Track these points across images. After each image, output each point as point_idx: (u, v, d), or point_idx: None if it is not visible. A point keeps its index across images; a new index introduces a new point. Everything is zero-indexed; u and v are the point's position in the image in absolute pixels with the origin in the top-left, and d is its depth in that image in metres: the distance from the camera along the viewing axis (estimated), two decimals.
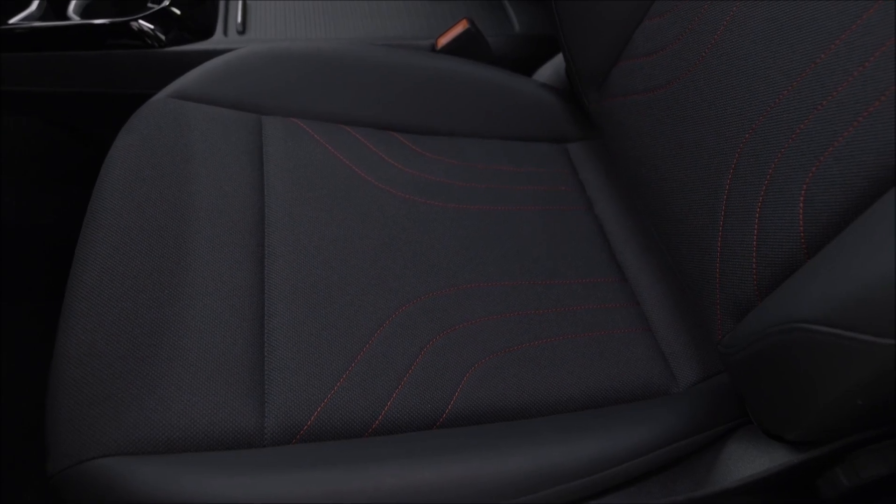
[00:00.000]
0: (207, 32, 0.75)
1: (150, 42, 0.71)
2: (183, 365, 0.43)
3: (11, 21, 0.70)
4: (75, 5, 0.72)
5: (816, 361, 0.34)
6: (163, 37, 0.71)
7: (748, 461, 0.45)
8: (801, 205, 0.40)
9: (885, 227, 0.32)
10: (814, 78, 0.41)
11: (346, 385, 0.45)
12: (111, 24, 0.69)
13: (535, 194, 0.63)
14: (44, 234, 0.84)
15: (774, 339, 0.37)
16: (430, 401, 0.46)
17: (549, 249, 0.58)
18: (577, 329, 0.52)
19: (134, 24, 0.70)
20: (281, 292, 0.49)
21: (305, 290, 0.49)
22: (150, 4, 0.72)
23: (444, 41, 0.73)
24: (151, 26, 0.71)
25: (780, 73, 0.43)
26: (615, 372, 0.50)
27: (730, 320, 0.44)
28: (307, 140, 0.59)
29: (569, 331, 0.52)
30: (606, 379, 0.50)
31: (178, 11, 0.73)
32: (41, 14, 0.71)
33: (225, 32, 0.75)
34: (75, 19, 0.70)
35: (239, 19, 0.77)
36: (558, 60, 0.77)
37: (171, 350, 0.44)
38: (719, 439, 0.47)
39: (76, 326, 0.44)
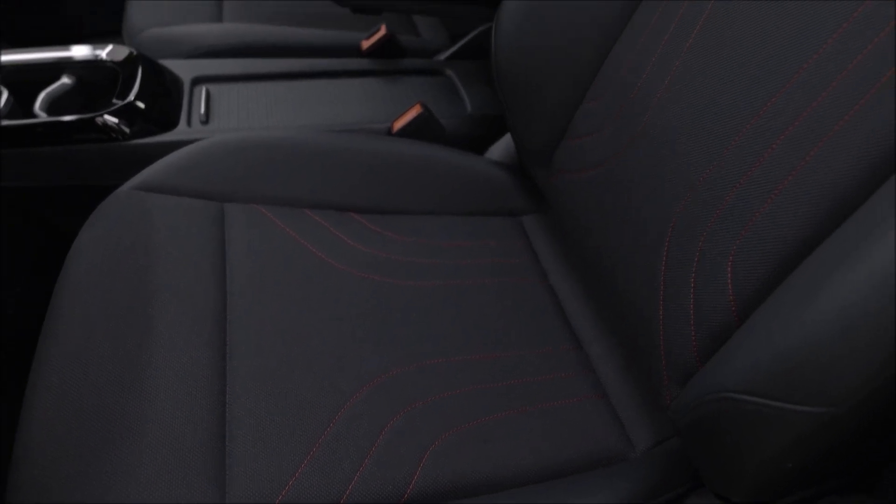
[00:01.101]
0: (171, 124, 0.78)
1: (115, 136, 0.73)
2: (146, 458, 0.44)
3: None
4: (42, 101, 0.75)
5: (743, 429, 0.36)
6: (127, 130, 0.74)
7: None
8: (730, 273, 0.43)
9: (795, 298, 0.35)
10: (732, 158, 0.45)
11: (308, 470, 0.46)
12: (78, 120, 0.72)
13: (490, 267, 0.65)
14: (6, 325, 0.84)
15: (709, 407, 0.39)
16: (391, 482, 0.47)
17: (504, 321, 0.60)
18: (533, 400, 0.54)
19: (99, 119, 0.73)
20: (242, 380, 0.50)
21: (266, 376, 0.50)
22: (114, 100, 0.75)
23: (399, 125, 0.77)
24: (116, 120, 0.73)
25: (703, 154, 0.47)
26: (572, 441, 0.52)
27: (675, 386, 0.46)
28: (268, 225, 0.61)
29: (525, 403, 0.53)
30: (564, 449, 0.51)
31: (142, 105, 0.76)
32: (8, 111, 0.74)
33: (189, 123, 0.78)
34: (42, 116, 0.73)
35: (202, 110, 0.80)
36: (509, 138, 0.81)
37: (133, 443, 0.44)
38: (675, 502, 0.48)
39: (37, 422, 0.44)
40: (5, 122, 0.72)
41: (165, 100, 0.80)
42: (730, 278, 0.43)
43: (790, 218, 0.40)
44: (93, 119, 0.72)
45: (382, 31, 0.92)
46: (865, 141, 0.37)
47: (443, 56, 0.99)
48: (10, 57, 0.78)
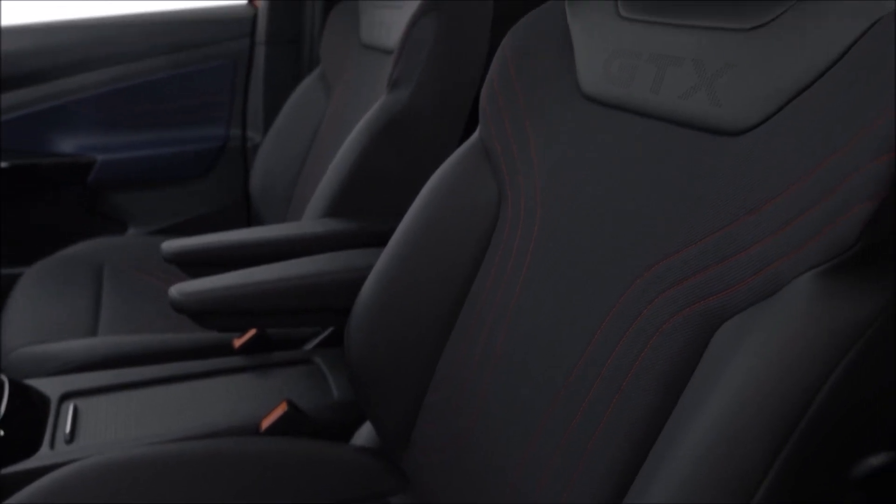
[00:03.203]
0: (34, 447, 0.78)
1: None
2: None
3: None
4: None
5: None
6: None
7: None
8: None
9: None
10: (563, 403, 0.53)
11: None
12: None
13: None
14: None
15: None
16: None
17: None
18: None
19: None
20: None
21: None
22: None
23: (267, 423, 0.82)
24: None
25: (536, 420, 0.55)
26: None
27: None
28: None
29: None
30: None
31: (1, 433, 0.76)
32: None
33: (52, 444, 0.79)
34: None
35: (68, 429, 0.81)
36: None
37: None
38: None
39: None
40: None
41: (29, 423, 0.80)
42: None
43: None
44: None
45: (253, 330, 1.01)
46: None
47: (312, 343, 1.08)
48: None
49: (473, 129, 0.77)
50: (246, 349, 1.01)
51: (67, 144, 1.52)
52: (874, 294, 0.40)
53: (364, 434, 0.87)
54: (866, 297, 0.40)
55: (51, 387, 0.88)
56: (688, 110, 0.53)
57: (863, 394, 0.41)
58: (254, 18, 1.63)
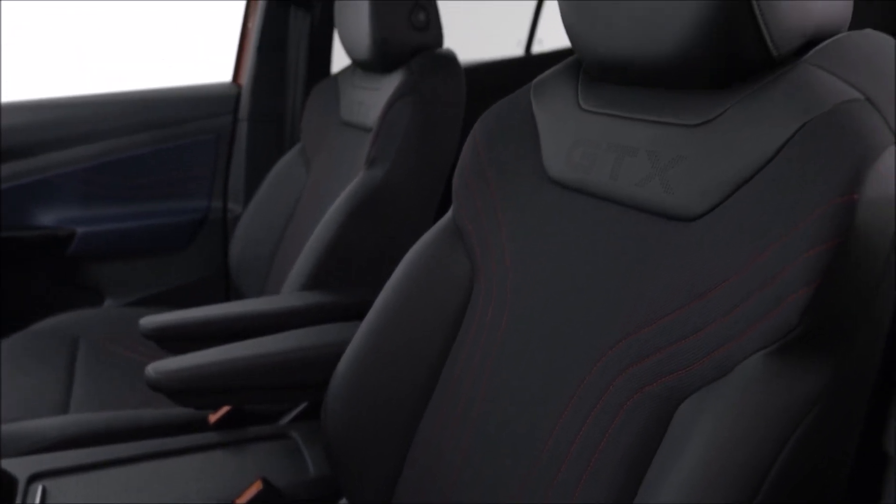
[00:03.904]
0: None
1: None
2: None
3: None
4: None
5: None
6: None
7: None
8: None
9: None
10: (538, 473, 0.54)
11: None
12: None
13: None
14: None
15: None
16: None
17: None
18: None
19: None
20: None
21: None
22: None
23: (241, 503, 0.81)
24: None
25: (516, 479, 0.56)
26: None
27: None
28: None
29: None
30: None
31: None
32: None
33: None
34: None
35: None
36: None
37: None
38: None
39: None
40: None
41: None
42: None
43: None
44: None
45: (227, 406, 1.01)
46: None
47: (288, 417, 1.07)
48: None
49: (447, 204, 0.81)
50: (221, 424, 1.01)
51: (48, 217, 1.53)
52: (818, 373, 0.43)
53: None
54: (811, 376, 0.43)
55: (19, 467, 0.86)
56: (644, 197, 0.57)
57: (815, 464, 0.43)
58: (237, 96, 1.69)
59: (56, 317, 1.38)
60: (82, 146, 1.55)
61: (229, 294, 1.73)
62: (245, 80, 1.69)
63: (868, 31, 0.52)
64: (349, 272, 1.11)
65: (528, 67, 2.22)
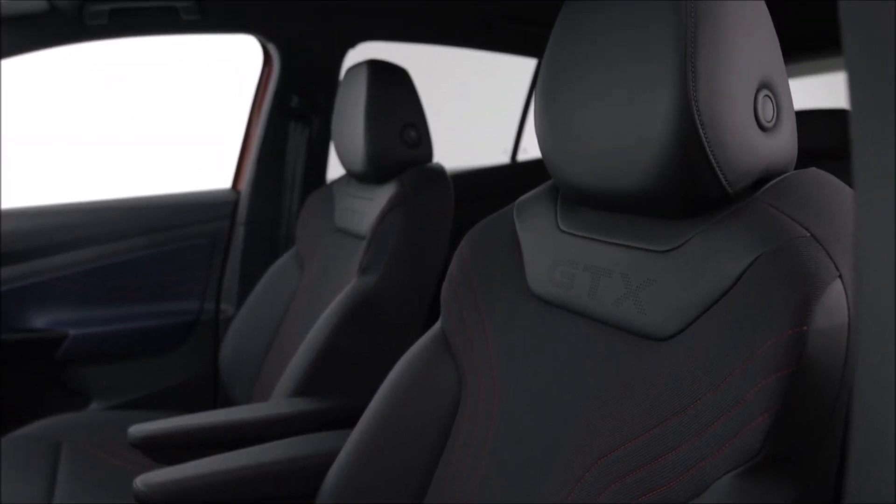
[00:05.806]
0: None
1: None
2: None
3: None
4: None
5: None
6: None
7: None
8: None
9: None
10: None
11: None
12: None
13: None
14: None
15: None
16: None
17: None
18: None
19: None
20: None
21: None
22: None
23: None
24: None
25: None
26: None
27: None
28: None
29: None
30: None
31: None
32: None
33: None
34: None
35: None
36: None
37: None
38: None
39: None
40: None
41: None
42: None
43: None
44: None
45: None
46: None
47: None
48: None
49: (436, 311, 0.84)
50: None
51: (41, 319, 1.54)
52: (787, 492, 0.45)
53: None
54: (780, 493, 0.45)
55: None
56: (620, 315, 0.61)
57: None
58: (236, 202, 1.75)
59: (39, 422, 1.36)
60: (80, 250, 1.59)
61: (217, 396, 1.71)
62: (244, 186, 1.76)
63: (812, 169, 0.58)
64: (340, 378, 1.12)
65: (513, 174, 2.33)
